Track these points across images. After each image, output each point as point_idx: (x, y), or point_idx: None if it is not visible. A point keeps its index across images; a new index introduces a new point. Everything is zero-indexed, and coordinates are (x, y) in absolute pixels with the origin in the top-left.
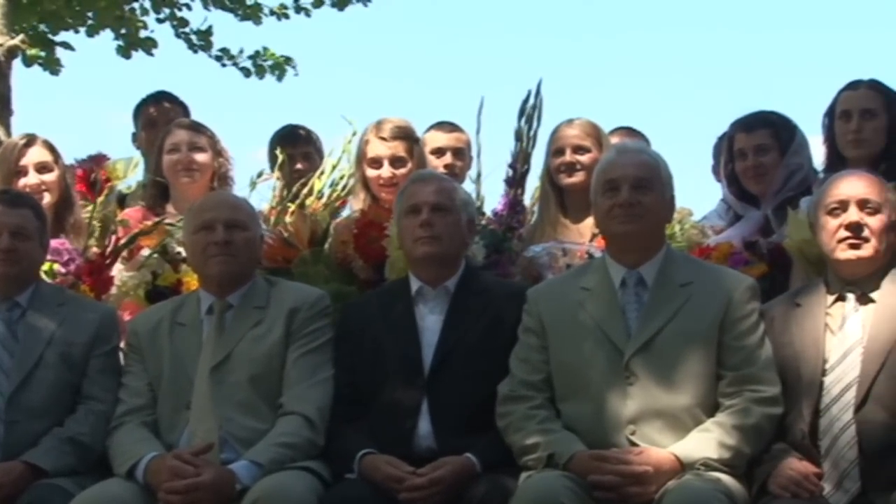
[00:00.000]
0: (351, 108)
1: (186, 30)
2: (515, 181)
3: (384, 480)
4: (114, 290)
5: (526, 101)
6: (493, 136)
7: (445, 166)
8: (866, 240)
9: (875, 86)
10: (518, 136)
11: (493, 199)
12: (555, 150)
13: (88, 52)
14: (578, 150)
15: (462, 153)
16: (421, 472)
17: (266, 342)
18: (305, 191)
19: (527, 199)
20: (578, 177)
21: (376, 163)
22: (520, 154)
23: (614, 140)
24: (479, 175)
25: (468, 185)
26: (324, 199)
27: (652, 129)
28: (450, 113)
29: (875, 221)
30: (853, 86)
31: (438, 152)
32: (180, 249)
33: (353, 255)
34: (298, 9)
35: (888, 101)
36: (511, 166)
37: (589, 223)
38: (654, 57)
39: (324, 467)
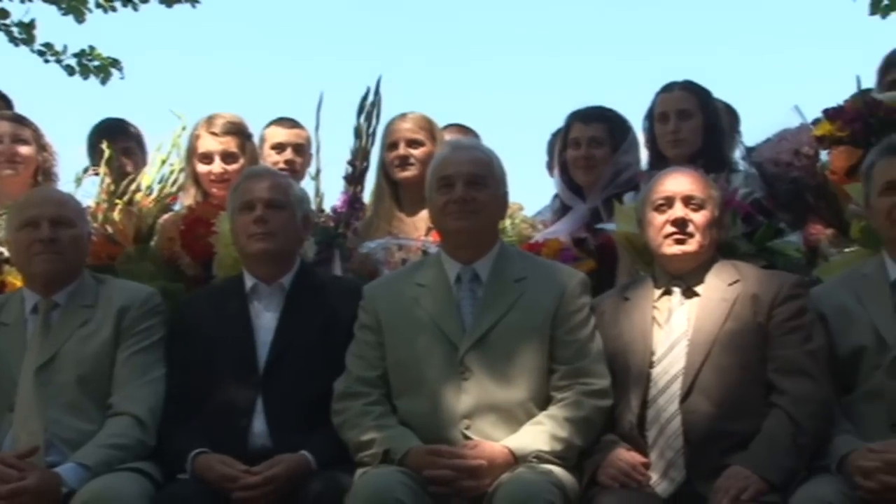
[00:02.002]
0: (182, 106)
1: (7, 21)
2: (355, 178)
3: (217, 480)
4: None
5: (365, 98)
6: (333, 132)
7: (286, 162)
8: (691, 235)
9: (689, 87)
10: (357, 133)
11: (332, 195)
12: (389, 143)
13: None
14: (412, 143)
15: (302, 149)
16: (255, 471)
17: (94, 341)
18: (134, 187)
19: (367, 196)
20: (412, 171)
21: (207, 158)
22: (359, 151)
23: (447, 137)
24: (318, 171)
25: (308, 182)
26: (153, 195)
27: (486, 126)
28: (288, 110)
29: (699, 217)
30: (668, 88)
31: (279, 148)
32: (2, 249)
33: (180, 251)
34: (126, 2)
35: (702, 100)
36: (350, 163)
37: (424, 216)
38: (489, 56)
39: (155, 468)
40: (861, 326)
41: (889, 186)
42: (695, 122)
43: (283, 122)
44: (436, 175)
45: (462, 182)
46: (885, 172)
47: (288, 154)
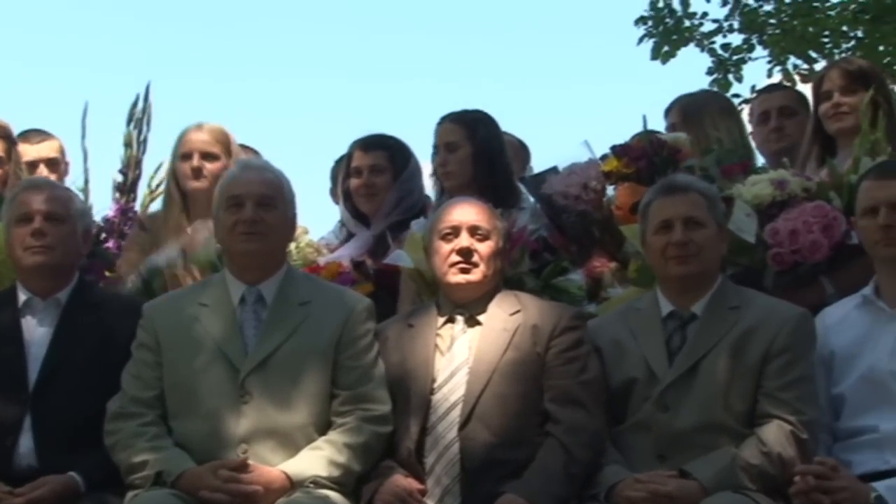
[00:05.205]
0: None
1: None
2: (126, 187)
3: None
4: None
5: (134, 105)
6: (100, 139)
7: None
8: (476, 265)
9: (456, 118)
10: (127, 142)
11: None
12: (182, 153)
13: None
14: (206, 156)
15: (56, 162)
16: (19, 493)
17: None
18: None
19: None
20: (204, 183)
21: None
22: (130, 160)
23: None
24: (86, 182)
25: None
26: None
27: (269, 147)
28: (51, 118)
29: (485, 247)
30: (441, 120)
31: (32, 166)
32: None
33: None
34: None
35: (469, 130)
36: (122, 172)
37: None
38: (272, 76)
39: None
40: (633, 359)
41: (663, 225)
42: (461, 154)
43: (29, 136)
44: (225, 194)
45: (252, 202)
46: (659, 212)
47: (41, 171)
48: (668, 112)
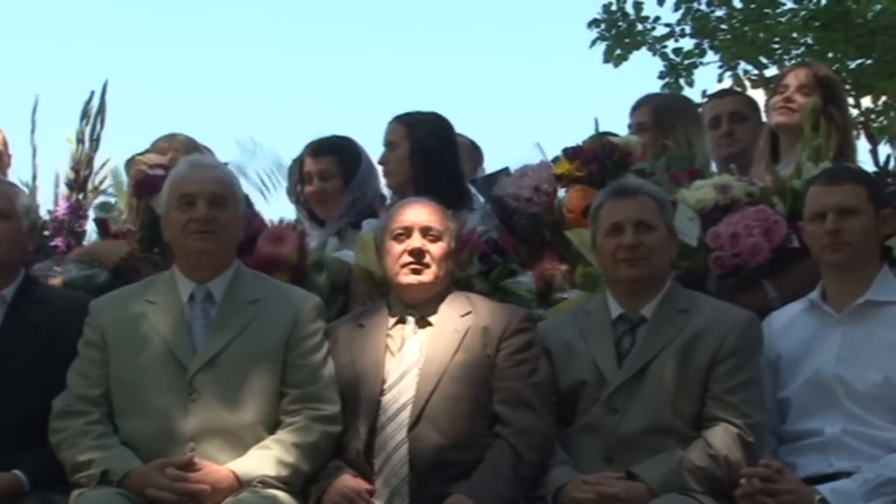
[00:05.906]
0: None
1: None
2: (78, 184)
3: None
4: None
5: (88, 101)
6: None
7: None
8: (427, 266)
9: (399, 118)
10: (79, 138)
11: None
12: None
13: None
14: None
15: None
16: None
17: None
18: None
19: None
20: None
21: None
22: (82, 157)
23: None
24: (34, 177)
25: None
26: None
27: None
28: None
29: (436, 248)
30: (391, 120)
31: None
32: None
33: None
34: None
35: (409, 129)
36: (73, 169)
37: None
38: (233, 72)
39: None
40: (582, 362)
41: (614, 228)
42: (399, 153)
43: None
44: (175, 192)
45: (204, 201)
46: (610, 214)
47: None
48: (634, 110)
